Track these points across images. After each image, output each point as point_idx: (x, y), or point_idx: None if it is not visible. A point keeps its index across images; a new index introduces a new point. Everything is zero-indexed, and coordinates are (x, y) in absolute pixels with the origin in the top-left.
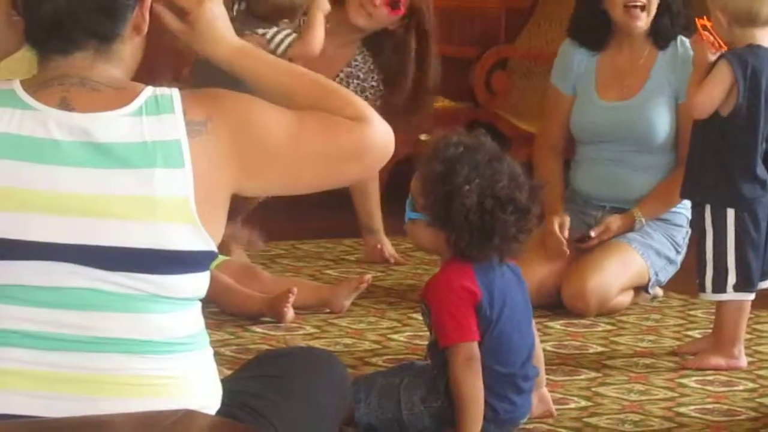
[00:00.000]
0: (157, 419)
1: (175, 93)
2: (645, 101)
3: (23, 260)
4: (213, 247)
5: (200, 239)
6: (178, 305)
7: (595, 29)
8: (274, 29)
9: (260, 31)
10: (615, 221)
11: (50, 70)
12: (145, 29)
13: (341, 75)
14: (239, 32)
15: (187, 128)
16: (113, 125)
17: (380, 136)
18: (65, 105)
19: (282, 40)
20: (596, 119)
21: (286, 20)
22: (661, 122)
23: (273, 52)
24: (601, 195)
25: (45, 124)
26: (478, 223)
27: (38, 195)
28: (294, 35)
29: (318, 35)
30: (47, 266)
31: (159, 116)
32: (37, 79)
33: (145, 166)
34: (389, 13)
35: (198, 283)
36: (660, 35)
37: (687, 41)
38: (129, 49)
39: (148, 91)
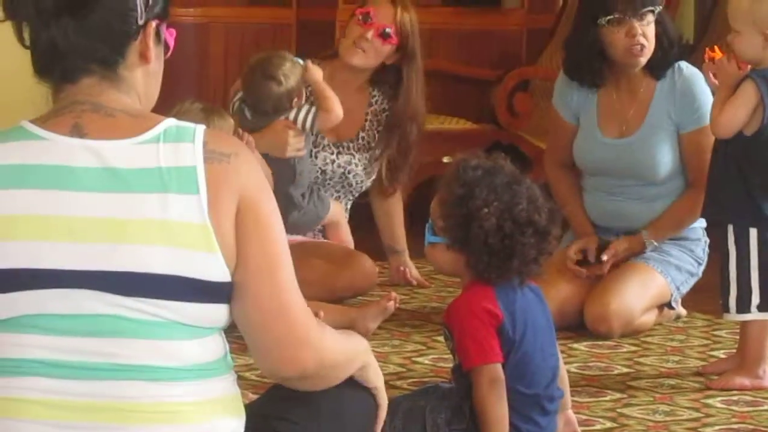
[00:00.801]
0: None
1: (199, 127)
2: (646, 137)
3: (43, 289)
4: (229, 274)
5: (220, 270)
6: (201, 332)
7: (592, 69)
8: (294, 110)
9: (282, 117)
10: (622, 244)
11: (60, 100)
12: (152, 58)
13: (369, 117)
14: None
15: (206, 155)
16: (128, 152)
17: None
18: (78, 131)
19: (305, 118)
20: (599, 155)
21: (294, 105)
22: (664, 157)
23: (303, 131)
24: (610, 226)
25: (57, 152)
26: (497, 246)
27: (53, 221)
28: (314, 109)
29: (334, 101)
30: (67, 294)
31: (177, 144)
32: (48, 113)
33: (158, 190)
34: (382, 43)
35: (220, 313)
36: (656, 67)
37: (686, 68)
38: (139, 77)
39: (170, 122)
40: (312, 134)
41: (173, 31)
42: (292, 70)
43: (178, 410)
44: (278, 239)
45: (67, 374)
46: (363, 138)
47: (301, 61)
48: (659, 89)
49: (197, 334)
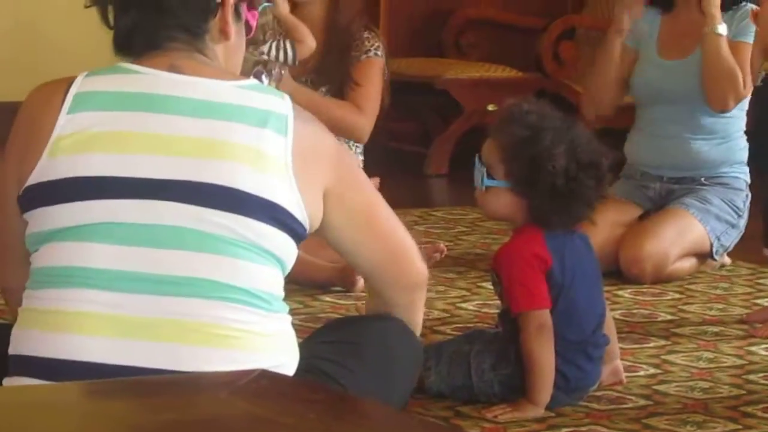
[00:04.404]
0: (231, 378)
1: (285, 95)
2: (700, 60)
3: (124, 198)
4: (305, 220)
5: (296, 204)
6: (269, 259)
7: None
8: (269, 45)
9: (256, 52)
10: None
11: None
12: (232, 34)
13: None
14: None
15: (294, 113)
16: (224, 90)
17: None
18: (175, 69)
19: (286, 52)
20: (654, 78)
21: (267, 37)
22: None
23: (287, 63)
24: (659, 162)
25: (157, 83)
26: (563, 188)
27: (146, 137)
28: (289, 42)
29: (305, 31)
30: (147, 204)
31: (268, 96)
32: (140, 59)
33: (256, 125)
34: None
35: (289, 246)
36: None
37: (747, 5)
38: (220, 51)
39: (257, 81)
40: (295, 64)
41: (255, 14)
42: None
43: (238, 336)
44: (368, 193)
45: (130, 287)
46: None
47: None
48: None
49: (266, 261)
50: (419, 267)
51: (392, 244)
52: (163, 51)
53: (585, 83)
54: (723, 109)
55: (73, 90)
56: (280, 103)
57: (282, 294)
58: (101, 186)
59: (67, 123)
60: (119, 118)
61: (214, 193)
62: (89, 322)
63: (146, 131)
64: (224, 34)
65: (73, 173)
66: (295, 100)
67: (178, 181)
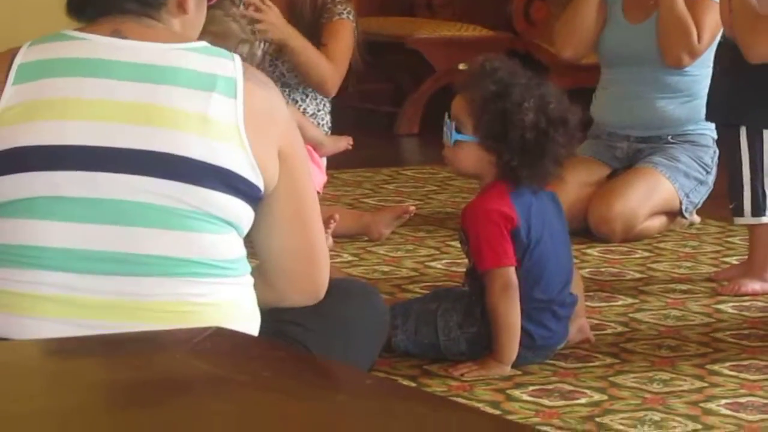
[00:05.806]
0: (187, 336)
1: (236, 56)
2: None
3: (65, 170)
4: (261, 183)
5: (250, 167)
6: (223, 227)
7: None
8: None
9: (248, 28)
10: None
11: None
12: (191, 9)
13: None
14: None
15: (245, 74)
16: (169, 54)
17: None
18: (117, 34)
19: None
20: (619, 40)
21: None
22: None
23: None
24: (625, 121)
25: (96, 49)
26: (532, 142)
27: (84, 103)
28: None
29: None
30: (91, 177)
31: (217, 58)
32: (86, 25)
33: (203, 89)
34: None
35: (244, 211)
36: None
37: None
38: (177, 25)
39: (206, 42)
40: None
41: None
42: None
43: (196, 310)
44: (308, 181)
45: (84, 267)
46: None
47: None
48: None
49: (220, 229)
50: (323, 278)
51: (311, 239)
52: (111, 16)
53: (563, 20)
54: (677, 64)
55: (18, 60)
56: (229, 66)
57: (243, 253)
58: (41, 156)
59: (12, 95)
60: (58, 85)
61: (160, 160)
62: (44, 305)
63: (84, 97)
64: (182, 8)
65: (15, 143)
66: (290, 44)
67: (119, 149)
